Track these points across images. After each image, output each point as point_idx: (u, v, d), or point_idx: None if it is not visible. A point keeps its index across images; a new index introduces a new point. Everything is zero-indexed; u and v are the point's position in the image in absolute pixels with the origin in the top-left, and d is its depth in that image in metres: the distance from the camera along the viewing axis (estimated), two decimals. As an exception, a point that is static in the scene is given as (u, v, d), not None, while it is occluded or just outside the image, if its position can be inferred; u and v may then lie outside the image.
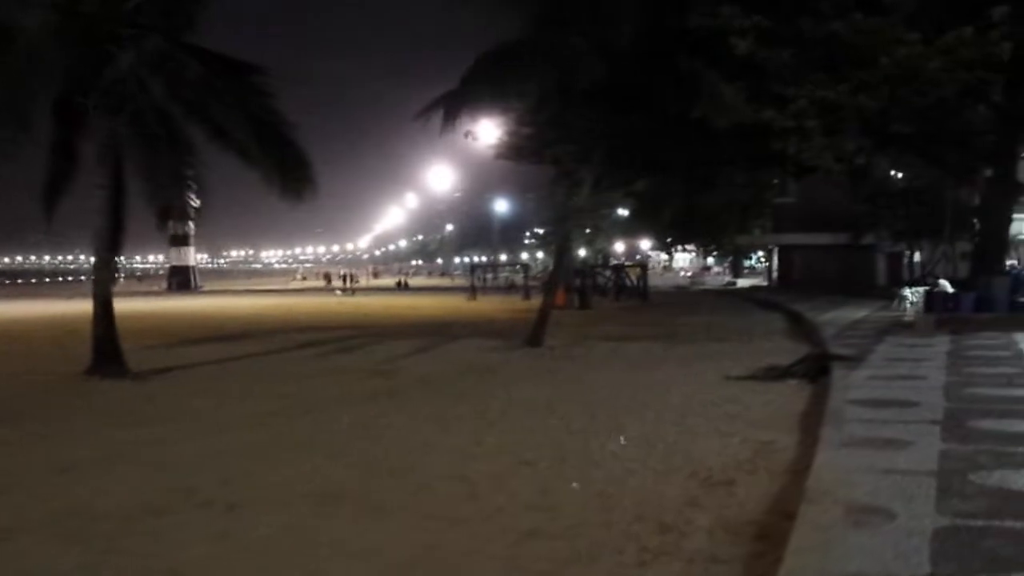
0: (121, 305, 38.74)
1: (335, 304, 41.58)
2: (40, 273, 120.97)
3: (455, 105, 19.00)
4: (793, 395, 12.07)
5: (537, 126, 22.56)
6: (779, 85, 17.98)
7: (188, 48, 15.22)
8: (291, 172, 15.93)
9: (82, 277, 71.28)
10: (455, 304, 40.19)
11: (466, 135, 23.45)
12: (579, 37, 18.17)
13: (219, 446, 9.16)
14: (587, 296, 37.74)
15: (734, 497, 7.01)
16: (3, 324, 28.56)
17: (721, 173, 24.82)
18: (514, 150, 24.76)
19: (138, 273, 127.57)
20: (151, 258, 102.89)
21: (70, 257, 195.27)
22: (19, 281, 70.96)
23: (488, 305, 38.73)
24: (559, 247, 22.33)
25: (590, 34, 18.24)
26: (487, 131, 23.91)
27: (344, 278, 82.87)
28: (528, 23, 18.79)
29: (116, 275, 15.81)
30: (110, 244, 14.91)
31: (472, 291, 47.10)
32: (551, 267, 23.80)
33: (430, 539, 6.08)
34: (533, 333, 19.27)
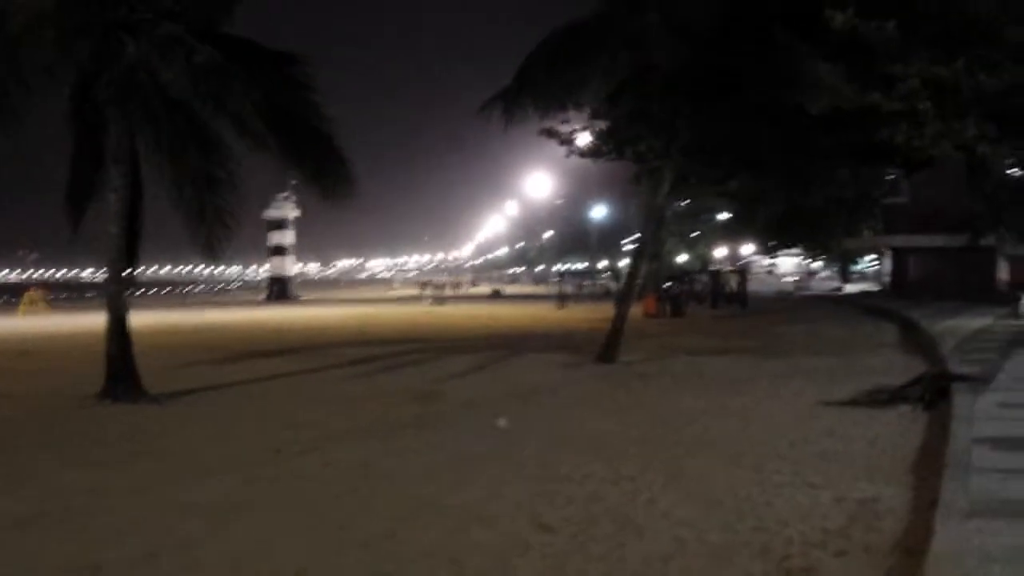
0: (203, 316, 38.90)
1: (421, 314, 40.30)
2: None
3: (518, 97, 17.04)
4: (905, 427, 9.95)
5: (613, 119, 20.54)
6: (885, 62, 15.63)
7: (213, 36, 13.70)
8: (327, 171, 14.34)
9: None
10: (542, 313, 38.46)
11: (540, 132, 21.59)
12: (655, 14, 16.10)
13: (183, 497, 7.50)
14: (680, 304, 35.73)
15: (815, 596, 5.01)
16: (40, 339, 26.75)
17: (820, 167, 22.27)
18: (591, 146, 22.76)
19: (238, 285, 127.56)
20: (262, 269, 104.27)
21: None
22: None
23: (576, 314, 36.82)
24: (638, 251, 20.19)
25: (667, 11, 16.14)
26: (561, 126, 21.89)
27: (435, 287, 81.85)
28: (598, 2, 16.87)
29: (130, 288, 14.37)
30: (123, 254, 13.44)
31: (561, 299, 45.39)
32: (627, 274, 21.72)
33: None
34: (605, 348, 17.24)
